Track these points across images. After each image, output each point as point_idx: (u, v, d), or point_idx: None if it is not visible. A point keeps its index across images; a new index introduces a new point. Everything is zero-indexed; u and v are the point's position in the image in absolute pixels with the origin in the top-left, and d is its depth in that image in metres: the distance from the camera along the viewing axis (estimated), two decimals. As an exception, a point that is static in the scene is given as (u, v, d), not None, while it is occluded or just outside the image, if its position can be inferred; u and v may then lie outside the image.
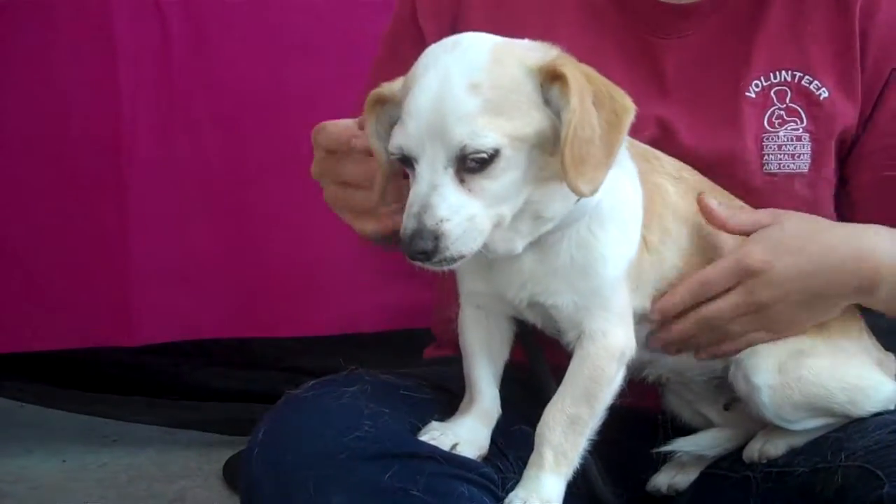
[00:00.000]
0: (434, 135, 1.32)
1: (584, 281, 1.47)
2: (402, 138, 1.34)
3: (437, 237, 1.30)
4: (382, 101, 1.44)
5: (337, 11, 2.87)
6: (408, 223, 1.31)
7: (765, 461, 1.63)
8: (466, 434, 1.50)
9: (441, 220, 1.30)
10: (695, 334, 1.57)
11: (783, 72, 1.71)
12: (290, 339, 3.07)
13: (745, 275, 1.55)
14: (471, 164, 1.32)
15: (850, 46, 1.71)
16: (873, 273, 1.58)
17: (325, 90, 2.77)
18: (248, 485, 1.43)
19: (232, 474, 2.86)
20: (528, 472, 1.45)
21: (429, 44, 1.68)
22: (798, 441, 1.62)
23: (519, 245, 1.42)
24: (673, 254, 1.57)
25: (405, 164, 1.37)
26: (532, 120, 1.35)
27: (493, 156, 1.32)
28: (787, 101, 1.71)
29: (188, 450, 3.05)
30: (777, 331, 1.58)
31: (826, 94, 1.71)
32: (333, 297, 2.92)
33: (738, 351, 1.59)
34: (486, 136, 1.31)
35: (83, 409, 3.12)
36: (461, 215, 1.31)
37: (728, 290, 1.56)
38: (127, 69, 2.86)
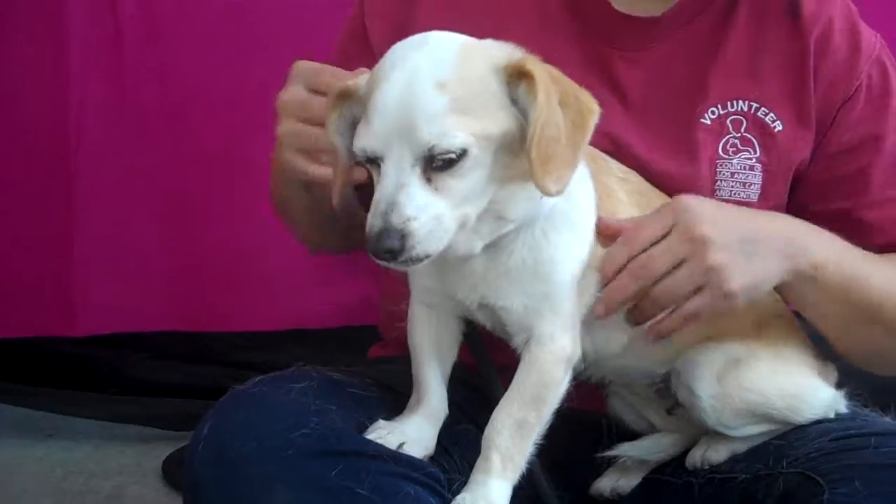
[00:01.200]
0: (401, 133, 1.31)
1: (535, 284, 1.47)
2: (367, 138, 1.33)
3: (403, 236, 1.29)
4: (346, 97, 1.43)
5: (294, 5, 2.84)
6: (374, 221, 1.30)
7: (707, 467, 1.65)
8: (413, 433, 1.49)
9: (408, 219, 1.30)
10: (634, 290, 1.51)
11: (740, 101, 1.72)
12: (236, 333, 3.03)
13: (678, 211, 1.51)
14: (438, 163, 1.32)
15: (805, 83, 1.73)
16: (801, 246, 1.59)
17: (278, 85, 2.74)
18: (191, 480, 1.41)
19: (171, 471, 2.82)
20: (475, 476, 1.45)
21: (373, 44, 1.70)
22: (740, 447, 1.63)
23: (478, 246, 1.42)
24: None
25: (369, 164, 1.36)
26: (498, 119, 1.35)
27: (461, 155, 1.32)
28: (742, 130, 1.73)
29: (127, 445, 3.00)
30: (719, 287, 1.50)
31: (780, 128, 1.73)
32: (280, 292, 2.90)
33: (684, 324, 1.53)
34: (455, 135, 1.31)
35: (19, 400, 3.06)
36: (428, 214, 1.31)
37: (664, 237, 1.51)
38: (77, 58, 2.82)
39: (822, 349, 1.72)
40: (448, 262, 1.46)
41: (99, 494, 2.76)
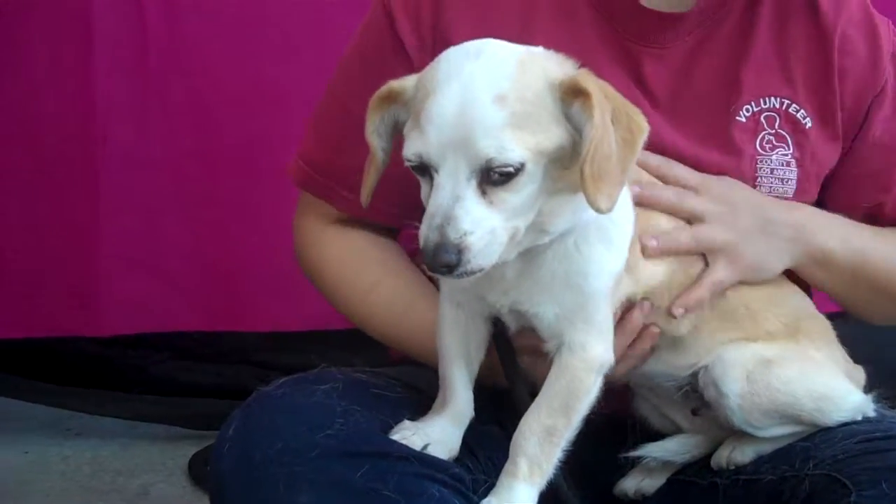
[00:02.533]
0: (457, 145, 1.30)
1: (567, 294, 1.47)
2: (422, 146, 1.33)
3: (460, 251, 1.29)
4: (391, 99, 1.42)
5: (312, 4, 2.84)
6: (430, 235, 1.30)
7: (733, 468, 1.64)
8: (438, 434, 1.49)
9: (465, 234, 1.30)
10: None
11: (772, 98, 1.71)
12: (260, 334, 3.04)
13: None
14: (494, 177, 1.31)
15: (829, 81, 1.72)
16: (812, 231, 1.69)
17: (302, 82, 2.74)
18: (217, 481, 1.42)
19: (197, 470, 2.83)
20: (502, 481, 1.45)
21: (407, 45, 1.69)
22: (766, 448, 1.63)
23: (514, 253, 1.42)
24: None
25: (417, 171, 1.36)
26: (552, 134, 1.35)
27: (518, 170, 1.32)
28: (777, 126, 1.72)
29: (153, 444, 3.02)
30: (744, 266, 1.62)
31: (810, 124, 1.72)
32: (305, 293, 2.88)
33: (708, 295, 1.60)
34: (513, 150, 1.30)
35: (47, 400, 3.08)
36: (483, 228, 1.31)
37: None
38: (103, 55, 2.82)
39: (853, 353, 1.71)
40: None
41: (125, 493, 2.78)
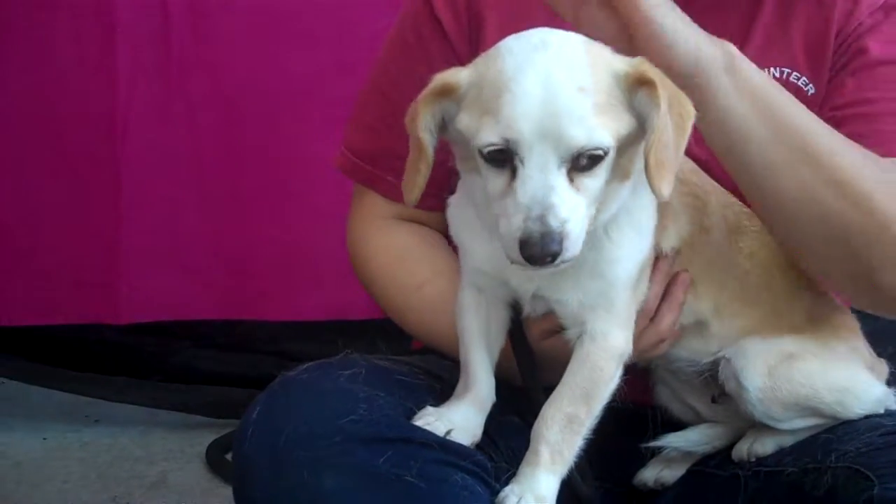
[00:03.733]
0: (546, 135, 1.30)
1: (592, 282, 1.47)
2: (506, 134, 1.31)
3: (561, 239, 1.30)
4: (444, 94, 1.40)
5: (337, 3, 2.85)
6: (533, 226, 1.29)
7: (754, 460, 1.64)
8: (461, 421, 1.49)
9: (564, 222, 1.30)
10: None
11: (773, 69, 1.70)
12: (280, 323, 3.05)
13: None
14: (582, 163, 1.32)
15: (825, 43, 1.69)
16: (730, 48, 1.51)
17: (323, 76, 2.77)
18: (241, 464, 1.42)
19: (215, 457, 2.85)
20: (524, 469, 1.45)
21: (445, 24, 1.69)
22: (787, 441, 1.62)
23: None
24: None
25: (490, 162, 1.34)
26: (625, 122, 1.36)
27: (605, 155, 1.33)
28: None
29: (171, 432, 3.04)
30: None
31: (813, 91, 1.70)
32: (325, 282, 2.91)
33: None
34: (602, 135, 1.32)
35: (66, 386, 3.11)
36: (578, 215, 1.32)
37: None
38: (125, 49, 2.85)
39: (877, 347, 1.70)
40: None
41: (144, 479, 2.80)
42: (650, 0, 1.43)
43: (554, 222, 1.29)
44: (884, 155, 1.58)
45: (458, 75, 1.40)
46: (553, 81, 1.32)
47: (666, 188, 1.36)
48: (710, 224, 1.60)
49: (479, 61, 1.40)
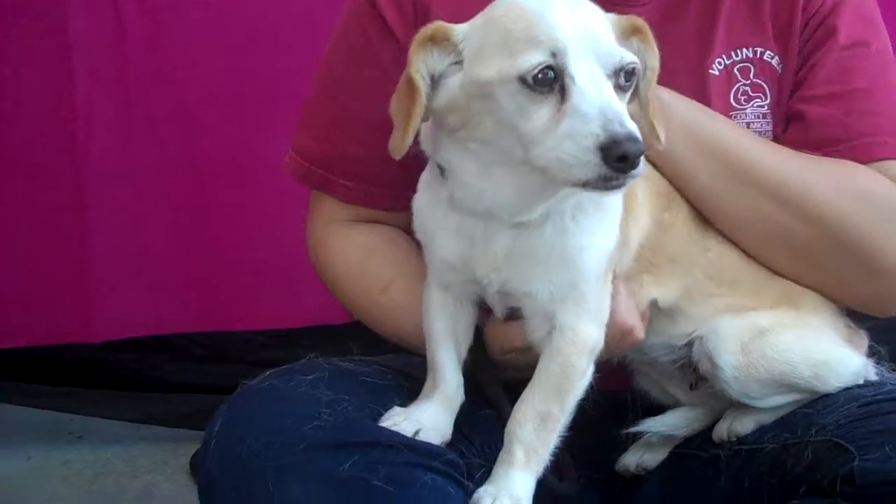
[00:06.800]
0: (591, 50, 1.30)
1: (561, 271, 1.44)
2: (554, 47, 1.30)
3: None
4: (434, 41, 1.36)
5: (295, 4, 2.80)
6: (616, 128, 1.24)
7: (734, 439, 1.62)
8: (429, 420, 1.47)
9: (633, 126, 1.27)
10: None
11: (744, 49, 1.68)
12: (256, 332, 3.04)
13: None
14: (621, 82, 1.33)
15: (792, 20, 1.68)
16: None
17: (285, 81, 2.72)
18: (205, 477, 1.40)
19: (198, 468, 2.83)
20: (498, 469, 1.43)
21: (390, 21, 1.65)
22: (766, 418, 1.60)
23: (536, 212, 1.41)
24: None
25: (534, 88, 1.30)
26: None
27: (636, 75, 1.36)
28: (752, 76, 1.69)
29: (154, 445, 3.01)
30: None
31: (781, 69, 1.69)
32: (300, 288, 2.87)
33: None
34: (632, 55, 1.35)
35: (47, 405, 3.09)
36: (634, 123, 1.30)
37: None
38: (82, 65, 2.79)
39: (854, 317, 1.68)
40: (475, 237, 1.44)
41: (129, 494, 2.77)
42: None
43: (630, 125, 1.26)
44: (860, 136, 1.62)
45: (450, 26, 1.37)
46: (581, 10, 1.35)
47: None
48: (675, 216, 1.58)
49: (480, 17, 1.38)
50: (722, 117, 1.62)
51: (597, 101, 1.27)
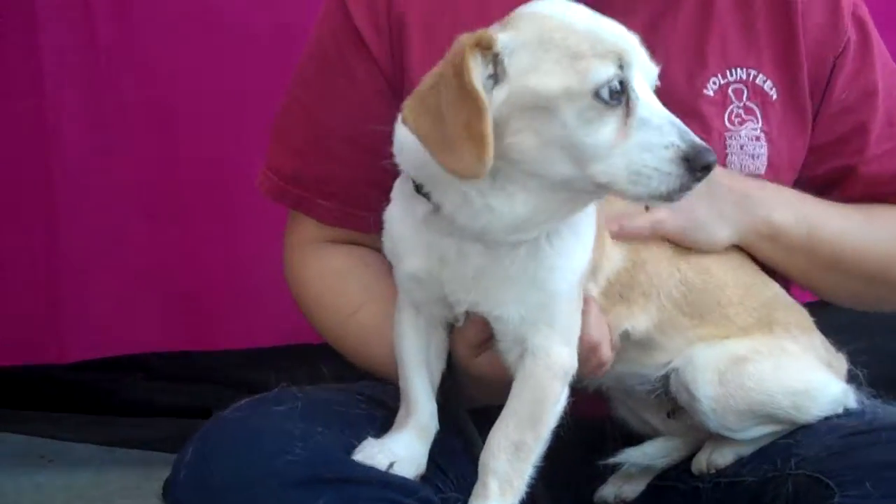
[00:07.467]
0: (641, 64, 1.32)
1: (532, 293, 1.41)
2: (622, 59, 1.30)
3: None
4: (486, 47, 1.30)
5: (272, 6, 2.77)
6: (693, 139, 1.27)
7: (713, 471, 1.60)
8: (403, 451, 1.44)
9: None
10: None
11: (738, 69, 1.68)
12: (233, 351, 2.99)
13: None
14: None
15: (794, 47, 1.69)
16: (758, 202, 1.63)
17: (262, 86, 2.67)
18: (173, 508, 1.37)
19: (171, 493, 2.78)
20: (473, 503, 1.39)
21: (365, 35, 1.64)
22: (745, 450, 1.59)
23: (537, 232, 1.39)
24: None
25: (608, 102, 1.28)
26: None
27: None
28: (745, 99, 1.69)
29: (127, 469, 2.96)
30: (686, 219, 1.57)
31: (776, 95, 1.69)
32: (276, 306, 2.83)
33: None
34: None
35: (16, 428, 3.05)
36: None
37: None
38: (52, 69, 2.76)
39: (849, 340, 1.68)
40: (447, 257, 1.41)
41: (100, 519, 2.73)
42: (660, 217, 1.54)
43: (696, 137, 1.28)
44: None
45: (494, 35, 1.32)
46: (615, 25, 1.35)
47: None
48: (649, 252, 1.56)
49: (520, 26, 1.33)
50: (823, 216, 1.70)
51: (664, 114, 1.29)
